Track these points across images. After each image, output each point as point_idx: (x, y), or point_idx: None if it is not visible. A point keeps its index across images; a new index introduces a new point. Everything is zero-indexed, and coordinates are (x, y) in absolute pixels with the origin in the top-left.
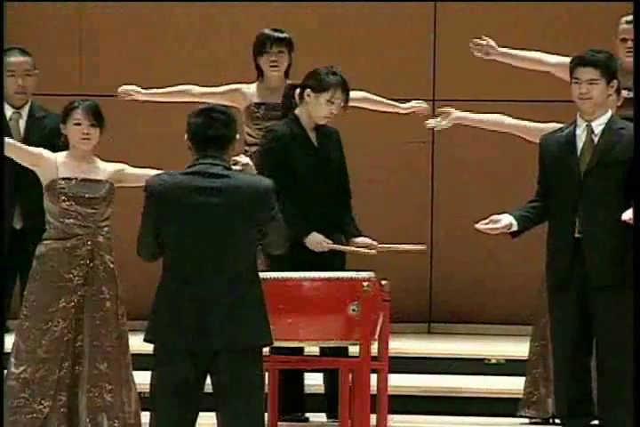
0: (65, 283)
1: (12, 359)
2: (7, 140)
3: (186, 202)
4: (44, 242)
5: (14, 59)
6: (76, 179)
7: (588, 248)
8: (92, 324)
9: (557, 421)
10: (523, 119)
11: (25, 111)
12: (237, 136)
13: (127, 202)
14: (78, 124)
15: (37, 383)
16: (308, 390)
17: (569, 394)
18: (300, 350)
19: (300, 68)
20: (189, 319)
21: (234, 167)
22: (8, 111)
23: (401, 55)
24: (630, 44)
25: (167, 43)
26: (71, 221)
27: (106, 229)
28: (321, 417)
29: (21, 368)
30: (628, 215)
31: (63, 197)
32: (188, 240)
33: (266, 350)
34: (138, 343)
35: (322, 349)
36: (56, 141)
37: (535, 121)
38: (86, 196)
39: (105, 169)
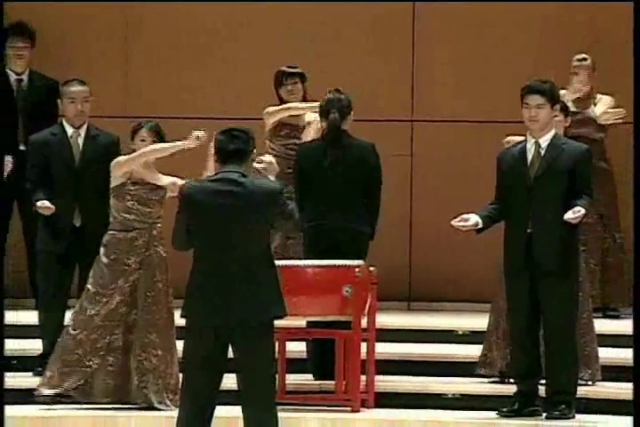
0: (125, 267)
1: (71, 322)
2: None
3: (209, 203)
4: (110, 232)
5: (74, 88)
6: (141, 184)
7: (537, 241)
8: (146, 301)
9: (512, 380)
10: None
11: (83, 130)
12: (255, 151)
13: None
14: (143, 141)
15: (90, 345)
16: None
17: (523, 359)
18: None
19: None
20: (213, 300)
21: (258, 165)
22: (69, 130)
23: (380, 76)
24: (580, 76)
25: (207, 67)
26: (132, 217)
27: (159, 224)
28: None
29: (77, 331)
30: (568, 216)
31: (128, 197)
32: (212, 234)
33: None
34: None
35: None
36: (109, 155)
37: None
38: (146, 197)
39: (162, 178)
